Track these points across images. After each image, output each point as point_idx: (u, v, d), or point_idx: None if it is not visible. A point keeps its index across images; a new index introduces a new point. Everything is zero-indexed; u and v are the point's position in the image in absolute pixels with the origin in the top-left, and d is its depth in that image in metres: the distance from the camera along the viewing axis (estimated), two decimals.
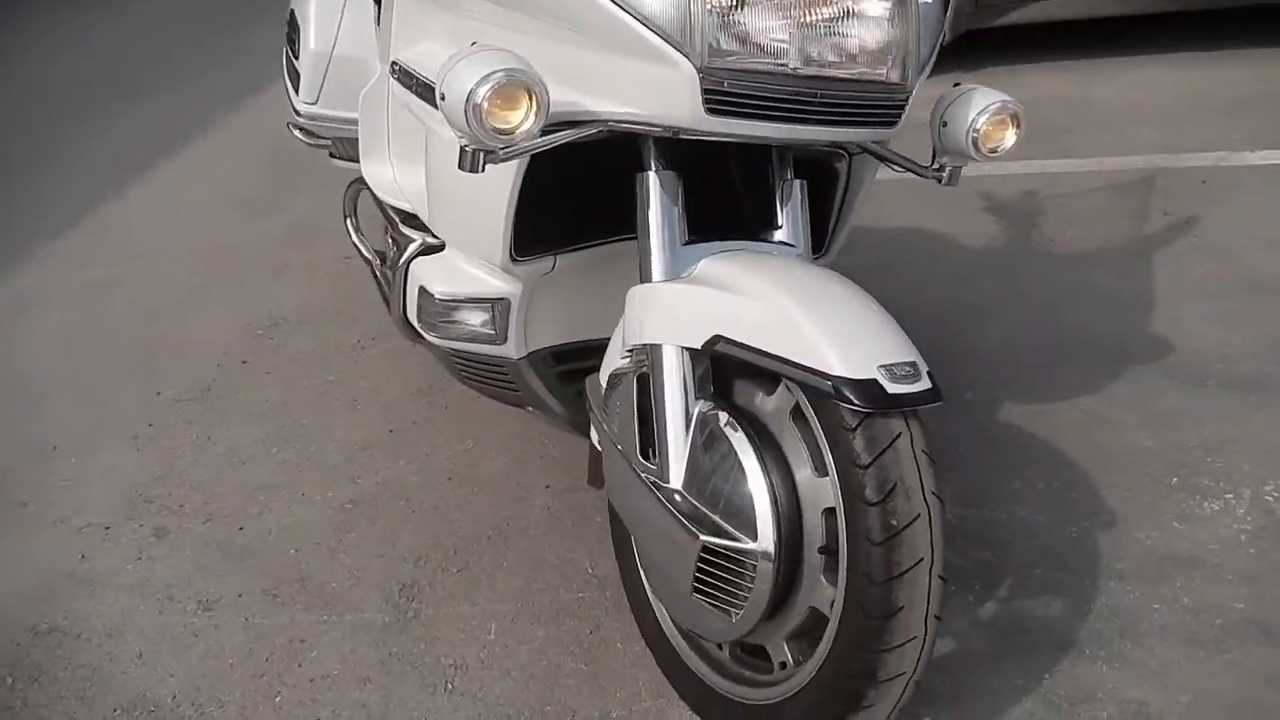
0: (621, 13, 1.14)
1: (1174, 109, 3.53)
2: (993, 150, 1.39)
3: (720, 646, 1.42)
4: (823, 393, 1.13)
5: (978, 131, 1.37)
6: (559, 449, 2.08)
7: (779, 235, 1.43)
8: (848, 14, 1.17)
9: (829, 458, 1.16)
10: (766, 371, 1.29)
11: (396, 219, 1.67)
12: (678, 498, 1.28)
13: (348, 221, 1.97)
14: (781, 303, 1.18)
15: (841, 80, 1.19)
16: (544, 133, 1.18)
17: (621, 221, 1.53)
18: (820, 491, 1.21)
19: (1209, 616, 1.58)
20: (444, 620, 1.68)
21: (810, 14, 1.15)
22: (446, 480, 2.02)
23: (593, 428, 1.54)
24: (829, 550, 1.21)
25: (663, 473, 1.30)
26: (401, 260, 1.58)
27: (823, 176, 1.54)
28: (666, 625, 1.50)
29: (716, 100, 1.16)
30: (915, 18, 1.21)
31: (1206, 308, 2.41)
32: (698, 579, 1.24)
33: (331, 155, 2.26)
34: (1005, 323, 2.39)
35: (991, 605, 1.62)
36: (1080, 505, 1.82)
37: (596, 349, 1.63)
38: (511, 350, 1.58)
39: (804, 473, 1.23)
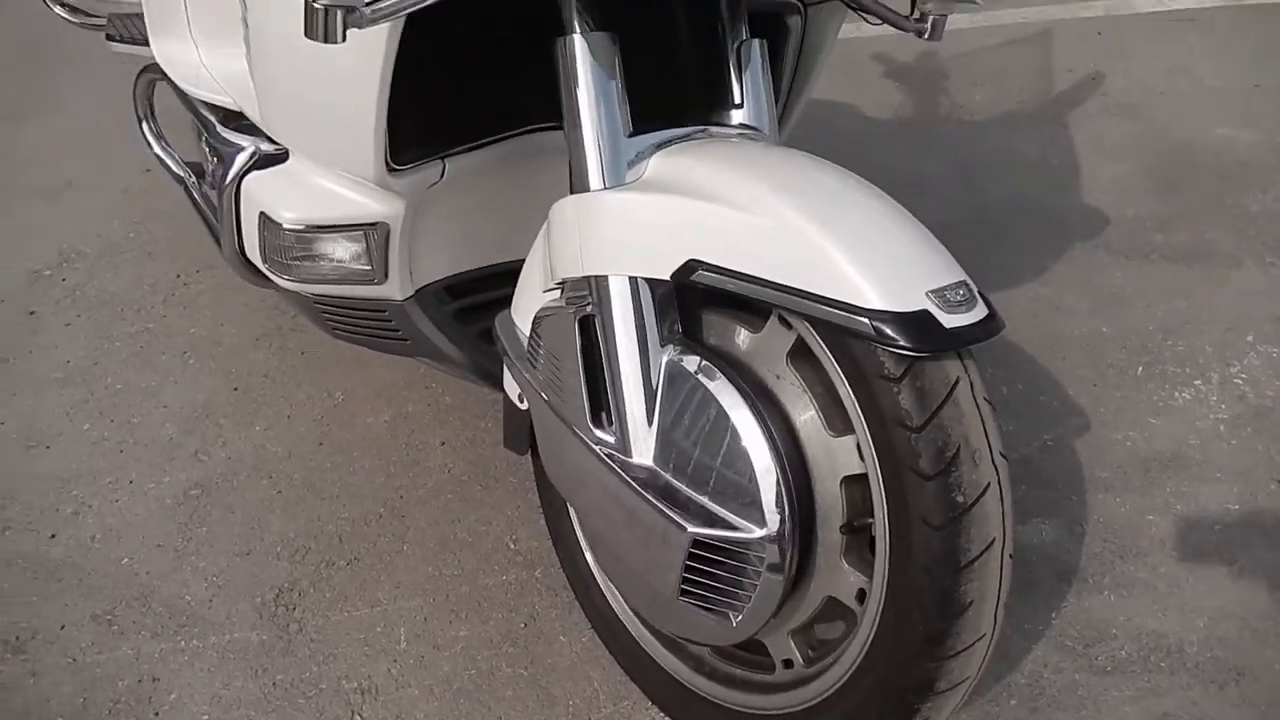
0: None
1: None
2: None
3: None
4: (847, 331, 0.84)
5: None
6: (451, 394, 1.73)
7: (738, 116, 1.10)
8: None
9: (857, 415, 0.88)
10: (746, 300, 0.99)
11: (214, 119, 1.23)
12: (650, 477, 0.98)
13: (144, 126, 1.49)
14: (784, 212, 0.87)
15: None
16: None
17: (526, 107, 1.18)
18: (839, 455, 0.93)
19: (1207, 523, 1.44)
20: (338, 631, 1.35)
21: None
22: (317, 446, 1.64)
23: (508, 378, 1.21)
24: (852, 528, 0.94)
25: (624, 444, 1.00)
26: (229, 177, 1.16)
27: (771, 37, 1.21)
28: (621, 610, 1.22)
29: None
30: None
31: (1131, 170, 2.26)
32: (686, 579, 0.96)
33: (109, 38, 1.74)
34: (933, 197, 2.17)
35: None
36: (1050, 408, 1.65)
37: (502, 276, 1.29)
38: (395, 290, 1.21)
39: (813, 432, 0.95)
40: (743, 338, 1.01)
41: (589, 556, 1.24)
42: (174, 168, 1.45)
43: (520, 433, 1.24)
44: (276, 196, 1.14)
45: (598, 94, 0.97)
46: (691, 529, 0.93)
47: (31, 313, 2.00)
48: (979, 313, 0.84)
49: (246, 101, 1.19)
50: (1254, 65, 2.66)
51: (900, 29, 1.18)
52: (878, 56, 2.74)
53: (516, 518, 1.50)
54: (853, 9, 1.17)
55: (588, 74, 0.97)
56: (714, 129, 1.08)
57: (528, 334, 1.12)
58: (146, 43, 1.71)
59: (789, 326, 0.95)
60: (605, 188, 0.98)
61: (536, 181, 1.22)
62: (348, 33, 0.81)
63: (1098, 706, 1.21)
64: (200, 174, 1.40)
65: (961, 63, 2.73)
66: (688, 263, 0.91)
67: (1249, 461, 1.53)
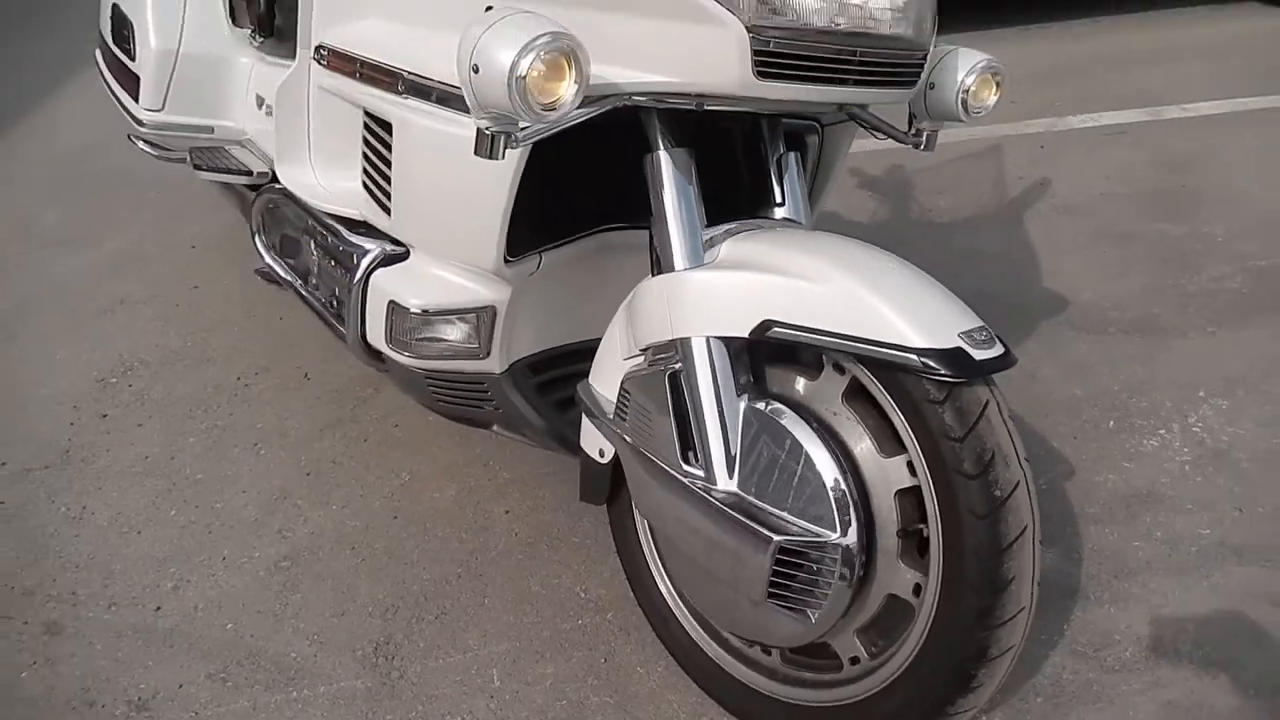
0: None
1: None
2: (978, 110, 1.39)
3: (769, 651, 1.33)
4: (899, 368, 1.07)
5: (968, 91, 1.35)
6: (507, 470, 1.92)
7: (780, 212, 1.36)
8: None
9: (909, 435, 1.10)
10: (801, 356, 1.23)
11: (341, 227, 1.46)
12: (736, 500, 1.18)
13: (257, 238, 1.71)
14: (840, 280, 1.11)
15: (877, 37, 1.14)
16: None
17: (600, 211, 1.43)
18: (890, 472, 1.15)
19: (1184, 546, 1.67)
20: (436, 675, 1.50)
21: None
22: (392, 519, 1.82)
23: (588, 436, 1.41)
24: (906, 533, 1.15)
25: (711, 474, 1.21)
26: (358, 274, 1.38)
27: (798, 150, 1.48)
28: (699, 636, 1.40)
29: (765, 62, 1.07)
30: None
31: (1083, 260, 2.57)
32: (773, 582, 1.15)
33: (196, 168, 1.98)
34: None
35: None
36: (1040, 457, 1.88)
37: (576, 354, 1.51)
38: (495, 364, 1.42)
39: (867, 456, 1.17)
40: (801, 385, 1.24)
41: (665, 590, 1.43)
42: (283, 273, 1.67)
43: (599, 485, 1.44)
44: (404, 287, 1.36)
45: (679, 196, 1.22)
46: (778, 537, 1.13)
47: (104, 415, 2.16)
48: (999, 349, 1.08)
49: (371, 211, 1.42)
50: (1178, 169, 3.04)
51: (901, 142, 1.46)
52: (852, 171, 3.08)
53: (584, 571, 1.67)
54: (864, 127, 1.45)
55: (671, 181, 1.22)
56: (764, 221, 1.33)
57: (614, 394, 1.34)
58: (228, 170, 1.97)
59: (842, 372, 1.18)
60: (688, 268, 1.22)
61: (606, 272, 1.46)
62: (506, 151, 1.05)
63: (1111, 699, 1.40)
64: (305, 276, 1.62)
65: (925, 175, 3.08)
66: (763, 322, 1.15)
67: (1213, 495, 1.77)
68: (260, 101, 1.98)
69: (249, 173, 1.95)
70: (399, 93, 1.26)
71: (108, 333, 2.47)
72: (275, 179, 1.89)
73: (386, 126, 1.32)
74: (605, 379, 1.37)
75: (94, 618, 1.64)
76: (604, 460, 1.40)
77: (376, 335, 1.41)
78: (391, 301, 1.36)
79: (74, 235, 2.96)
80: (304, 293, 1.63)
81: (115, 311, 2.57)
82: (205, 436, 2.08)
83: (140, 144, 2.14)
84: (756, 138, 1.37)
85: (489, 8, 1.01)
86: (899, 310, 1.08)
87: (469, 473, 1.92)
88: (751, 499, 1.18)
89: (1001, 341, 1.11)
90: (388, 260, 1.39)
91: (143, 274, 2.74)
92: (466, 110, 1.18)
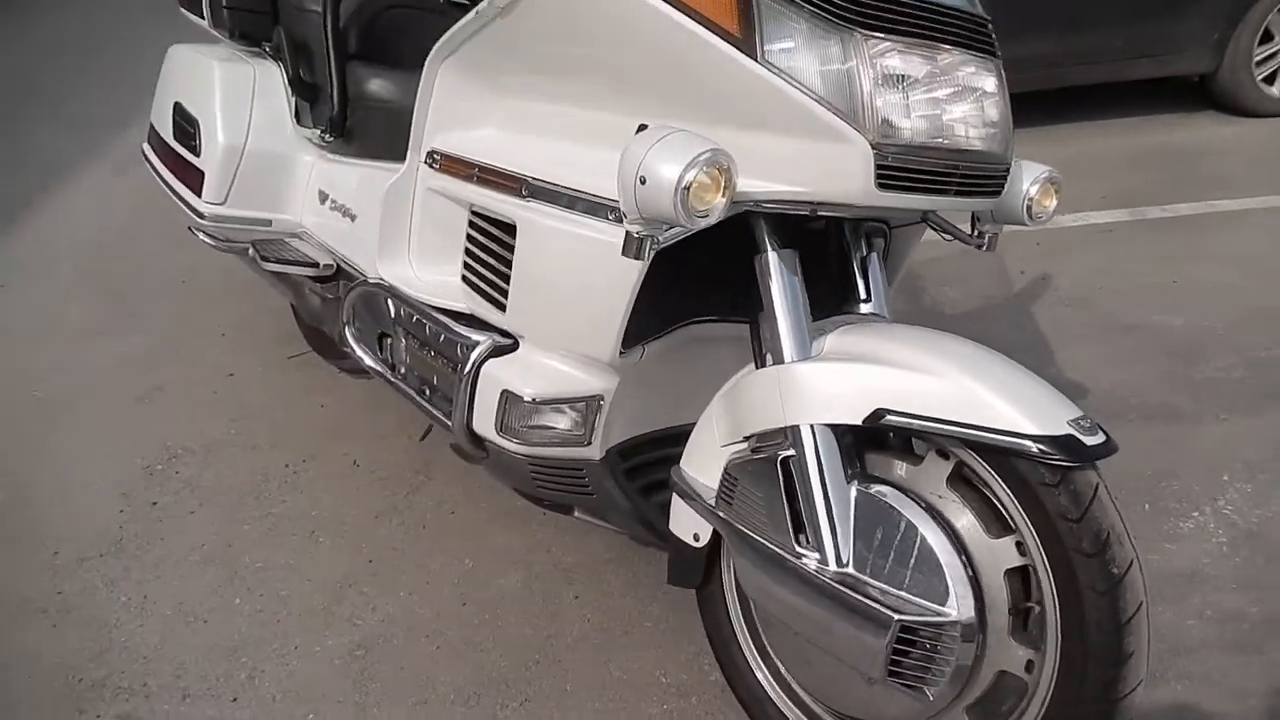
0: (794, 91, 1.14)
1: None
2: (1040, 215, 1.51)
3: None
4: (1014, 454, 1.15)
5: (1031, 199, 1.48)
6: (569, 555, 1.95)
7: (866, 307, 1.46)
8: (977, 91, 1.24)
9: (1022, 517, 1.17)
10: (896, 443, 1.31)
11: (447, 319, 1.53)
12: (852, 581, 1.24)
13: (348, 329, 1.76)
14: (949, 372, 1.19)
15: (974, 153, 1.25)
16: None
17: (695, 304, 1.51)
18: (999, 553, 1.22)
19: (1235, 624, 1.74)
20: None
21: (952, 90, 1.21)
22: (462, 606, 1.83)
23: (680, 521, 1.46)
24: (1015, 610, 1.21)
25: (825, 556, 1.26)
26: (469, 365, 1.44)
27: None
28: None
29: (884, 175, 1.17)
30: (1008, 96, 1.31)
31: (1096, 351, 2.70)
32: (893, 660, 1.20)
33: (263, 259, 2.04)
34: None
35: None
36: None
37: (661, 440, 1.57)
38: (595, 451, 1.47)
39: (975, 537, 1.23)
40: (903, 470, 1.31)
41: (761, 674, 1.47)
42: (371, 362, 1.72)
43: (692, 569, 1.48)
44: (517, 377, 1.42)
45: (787, 292, 1.31)
46: (898, 616, 1.19)
47: (154, 504, 2.16)
48: (1102, 436, 1.16)
49: (475, 304, 1.49)
50: (1167, 265, 3.22)
51: (964, 243, 1.58)
52: None
53: (661, 655, 1.70)
54: (933, 228, 1.56)
55: (780, 278, 1.31)
56: (856, 316, 1.42)
57: (713, 480, 1.40)
58: (295, 263, 2.03)
59: (947, 457, 1.26)
60: (798, 359, 1.30)
61: (692, 362, 1.54)
62: (650, 251, 1.13)
63: None
64: (394, 366, 1.68)
65: (931, 266, 3.22)
66: (875, 410, 1.22)
67: (1254, 574, 1.85)
68: (323, 196, 2.06)
69: (315, 264, 2.02)
70: (522, 196, 1.35)
71: (148, 420, 2.48)
72: (339, 272, 1.97)
73: (503, 226, 1.40)
74: (701, 464, 1.43)
75: (169, 710, 1.63)
76: (698, 544, 1.45)
77: (485, 423, 1.46)
78: (505, 391, 1.42)
79: (104, 325, 2.98)
80: (393, 380, 1.68)
81: (153, 399, 2.58)
82: (260, 524, 2.08)
83: (201, 235, 2.20)
84: (841, 238, 1.47)
85: (642, 127, 1.10)
86: (1011, 400, 1.16)
87: (532, 558, 1.95)
88: (867, 579, 1.24)
89: (1103, 429, 1.19)
90: (498, 351, 1.45)
91: (176, 361, 2.75)
92: (595, 215, 1.28)
